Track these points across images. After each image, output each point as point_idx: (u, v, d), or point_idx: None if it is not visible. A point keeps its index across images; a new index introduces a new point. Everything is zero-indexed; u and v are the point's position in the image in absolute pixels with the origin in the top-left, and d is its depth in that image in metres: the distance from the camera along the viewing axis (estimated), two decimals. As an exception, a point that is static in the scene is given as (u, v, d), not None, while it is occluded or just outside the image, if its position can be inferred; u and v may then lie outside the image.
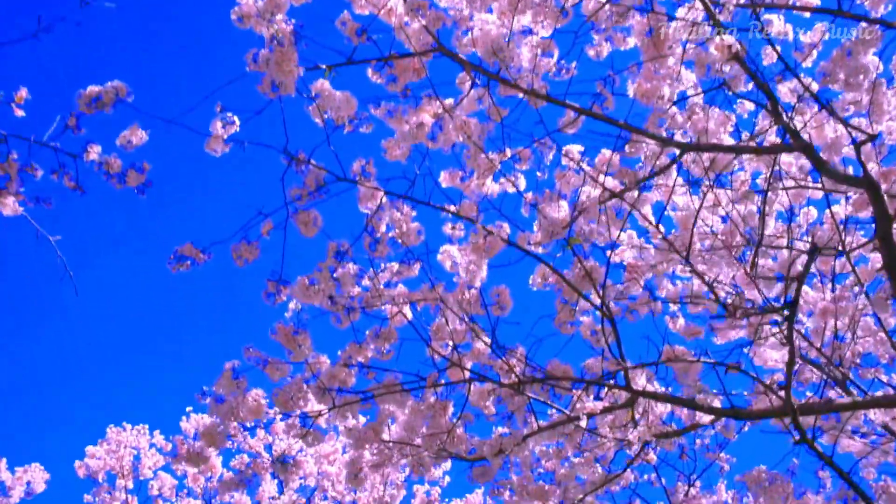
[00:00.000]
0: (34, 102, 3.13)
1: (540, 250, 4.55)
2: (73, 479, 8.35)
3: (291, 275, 4.06)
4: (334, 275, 3.73)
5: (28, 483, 8.40)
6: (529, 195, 4.03)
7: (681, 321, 5.41)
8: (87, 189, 3.20)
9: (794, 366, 3.10)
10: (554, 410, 4.63)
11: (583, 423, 4.96)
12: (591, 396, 4.46)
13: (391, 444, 5.26)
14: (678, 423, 5.23)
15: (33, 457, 12.76)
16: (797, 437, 3.24)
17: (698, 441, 7.81)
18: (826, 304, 4.69)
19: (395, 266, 4.52)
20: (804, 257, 3.92)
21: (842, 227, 4.37)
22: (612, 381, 3.99)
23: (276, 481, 9.01)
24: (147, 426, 8.53)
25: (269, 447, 9.22)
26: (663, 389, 4.80)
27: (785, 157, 4.74)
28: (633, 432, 4.89)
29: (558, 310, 4.16)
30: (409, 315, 4.60)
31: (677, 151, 3.92)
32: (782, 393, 3.11)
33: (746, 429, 6.87)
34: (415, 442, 5.10)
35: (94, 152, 3.09)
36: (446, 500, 9.53)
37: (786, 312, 3.10)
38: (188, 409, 8.61)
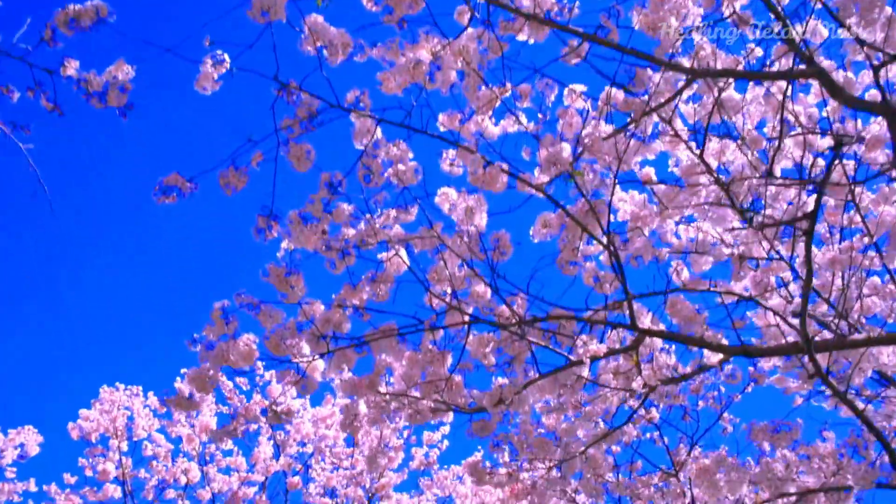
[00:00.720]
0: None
1: (542, 194, 4.40)
2: (66, 441, 8.23)
3: (284, 212, 3.91)
4: (328, 210, 3.56)
5: (21, 445, 8.28)
6: (531, 125, 3.86)
7: (685, 274, 5.27)
8: (65, 111, 3.03)
9: (810, 288, 2.95)
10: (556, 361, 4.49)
11: (585, 373, 4.84)
12: (595, 340, 4.32)
13: (388, 395, 5.15)
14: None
15: (26, 420, 12.62)
16: (811, 372, 3.09)
17: (701, 402, 7.72)
18: (834, 255, 4.54)
19: (393, 212, 4.38)
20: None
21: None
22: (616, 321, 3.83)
23: (272, 443, 8.91)
24: (141, 388, 8.41)
25: (265, 411, 9.12)
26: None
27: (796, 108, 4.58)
28: (637, 380, 4.76)
29: (561, 249, 4.01)
30: (406, 259, 4.46)
31: (684, 80, 3.74)
32: (797, 322, 2.96)
33: (751, 388, 6.77)
34: (413, 394, 4.98)
35: (72, 67, 2.92)
36: (445, 467, 9.43)
37: (805, 224, 2.93)
38: (182, 370, 8.49)
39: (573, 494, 6.31)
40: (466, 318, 4.24)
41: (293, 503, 9.35)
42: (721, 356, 3.83)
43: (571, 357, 4.36)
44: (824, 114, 4.45)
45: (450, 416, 9.13)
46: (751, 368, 6.63)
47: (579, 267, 4.25)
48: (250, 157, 3.44)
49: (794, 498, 4.50)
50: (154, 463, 8.50)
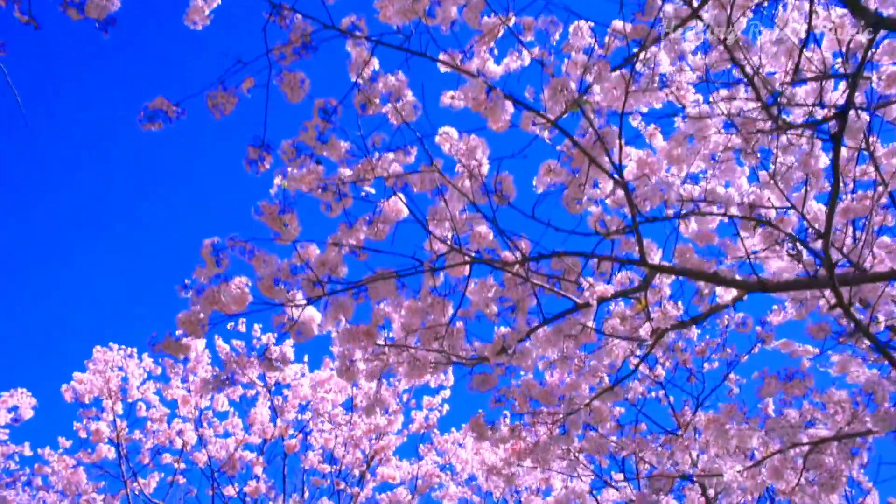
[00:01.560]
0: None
1: (546, 135, 4.22)
2: (60, 404, 8.09)
3: (277, 146, 3.72)
4: (322, 140, 3.38)
5: (14, 409, 8.15)
6: (536, 50, 3.66)
7: (693, 225, 5.10)
8: (41, 24, 2.84)
9: (836, 202, 2.76)
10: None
11: (591, 319, 4.68)
12: (602, 282, 4.15)
13: (387, 346, 5.02)
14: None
15: (19, 383, 12.46)
16: (832, 302, 2.92)
17: (706, 365, 7.58)
18: (847, 204, 4.36)
19: (391, 156, 4.20)
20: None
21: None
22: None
23: (268, 405, 8.77)
24: (135, 349, 8.26)
25: (262, 377, 8.97)
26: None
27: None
28: (644, 327, 4.61)
29: (567, 185, 3.83)
30: (404, 201, 4.28)
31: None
32: (819, 244, 2.78)
33: (758, 349, 6.61)
34: (412, 345, 4.83)
35: (47, -27, 2.73)
36: (445, 434, 9.30)
37: (833, 124, 2.74)
38: (177, 332, 8.33)
39: (576, 455, 6.17)
40: (468, 259, 4.07)
41: (291, 467, 9.26)
42: (735, 294, 3.65)
43: (578, 300, 4.19)
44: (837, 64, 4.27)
45: (451, 380, 8.99)
46: (759, 328, 6.48)
47: (584, 208, 4.06)
48: (241, 80, 3.25)
49: (806, 448, 4.34)
50: (149, 424, 8.37)
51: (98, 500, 7.67)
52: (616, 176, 3.45)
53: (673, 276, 3.92)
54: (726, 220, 4.38)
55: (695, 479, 4.73)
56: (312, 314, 5.07)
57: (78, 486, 7.74)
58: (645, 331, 4.55)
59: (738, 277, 3.42)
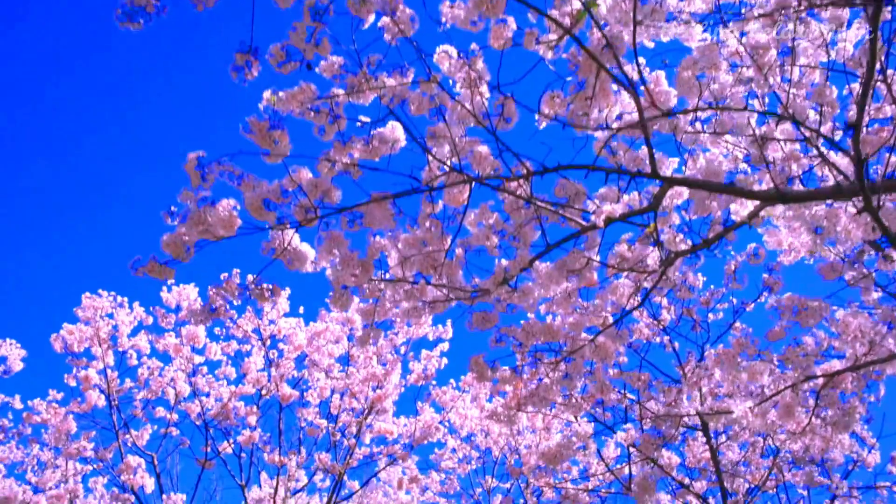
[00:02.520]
0: None
1: (550, 55, 4.00)
2: (50, 354, 7.90)
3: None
4: (312, 41, 3.16)
5: (3, 360, 7.98)
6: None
7: (701, 160, 4.90)
8: None
9: (871, 88, 2.55)
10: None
11: (594, 257, 4.50)
12: (610, 202, 3.95)
13: (382, 282, 4.85)
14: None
15: (7, 334, 12.23)
16: (859, 207, 2.73)
17: (711, 315, 7.40)
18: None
19: (386, 78, 3.98)
20: None
21: None
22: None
23: (262, 353, 8.60)
24: (126, 298, 8.08)
25: (257, 330, 8.81)
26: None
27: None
28: (652, 256, 4.42)
29: (573, 99, 3.61)
30: (402, 122, 4.07)
31: None
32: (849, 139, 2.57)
33: (764, 298, 6.42)
34: (409, 278, 4.66)
35: None
36: (443, 386, 9.13)
37: None
38: (170, 281, 8.16)
39: (580, 401, 6.00)
40: (467, 178, 3.87)
41: (287, 420, 9.12)
42: (751, 208, 3.46)
43: (585, 223, 4.00)
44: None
45: (449, 332, 8.81)
46: (765, 275, 6.30)
47: (591, 129, 3.85)
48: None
49: (821, 382, 4.17)
50: (141, 371, 8.20)
51: (88, 448, 7.53)
52: (625, 82, 3.24)
53: (685, 196, 3.72)
54: (741, 149, 4.19)
55: (703, 417, 4.57)
56: (306, 250, 4.89)
57: (68, 436, 7.59)
58: (653, 259, 4.36)
59: (756, 188, 3.22)
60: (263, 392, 8.76)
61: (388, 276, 4.80)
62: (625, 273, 4.94)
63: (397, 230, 4.57)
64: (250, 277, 7.75)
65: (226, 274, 8.35)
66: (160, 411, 8.53)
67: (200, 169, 3.45)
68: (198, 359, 8.55)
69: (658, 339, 6.17)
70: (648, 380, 5.25)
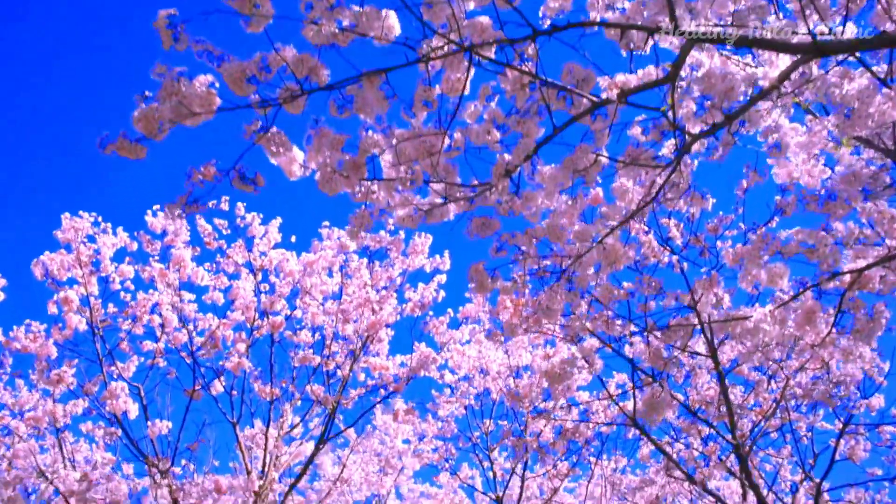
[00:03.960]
0: None
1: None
2: (32, 284, 7.58)
3: None
4: None
5: (-15, 290, 7.66)
6: None
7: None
8: None
9: None
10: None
11: (604, 142, 4.18)
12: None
13: (375, 181, 4.54)
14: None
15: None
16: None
17: (720, 243, 7.09)
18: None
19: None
20: None
21: None
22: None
23: (251, 277, 8.30)
24: (110, 224, 7.74)
25: (249, 264, 8.52)
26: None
27: None
28: (668, 144, 4.11)
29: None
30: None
31: None
32: None
33: (775, 223, 6.13)
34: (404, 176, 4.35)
35: None
36: (441, 316, 8.82)
37: None
38: (155, 206, 7.85)
39: (583, 322, 5.72)
40: (465, 46, 3.53)
41: (279, 357, 8.86)
42: (781, 69, 3.12)
43: (596, 99, 3.67)
44: None
45: (447, 263, 8.51)
46: (778, 197, 5.99)
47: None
48: None
49: (847, 279, 3.87)
50: (125, 296, 7.90)
51: (69, 373, 7.26)
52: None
53: (705, 67, 3.39)
54: None
55: (717, 325, 4.28)
56: (294, 153, 4.59)
57: (49, 363, 7.31)
58: (668, 148, 4.05)
59: (789, 40, 2.89)
60: (255, 330, 8.48)
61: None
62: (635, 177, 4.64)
63: (391, 127, 4.26)
64: (252, 217, 7.47)
65: (214, 201, 8.03)
66: (147, 345, 8.25)
67: (172, 28, 3.10)
68: (187, 296, 8.26)
69: (666, 260, 5.85)
70: (660, 286, 4.95)
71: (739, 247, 4.15)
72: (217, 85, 3.68)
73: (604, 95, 3.62)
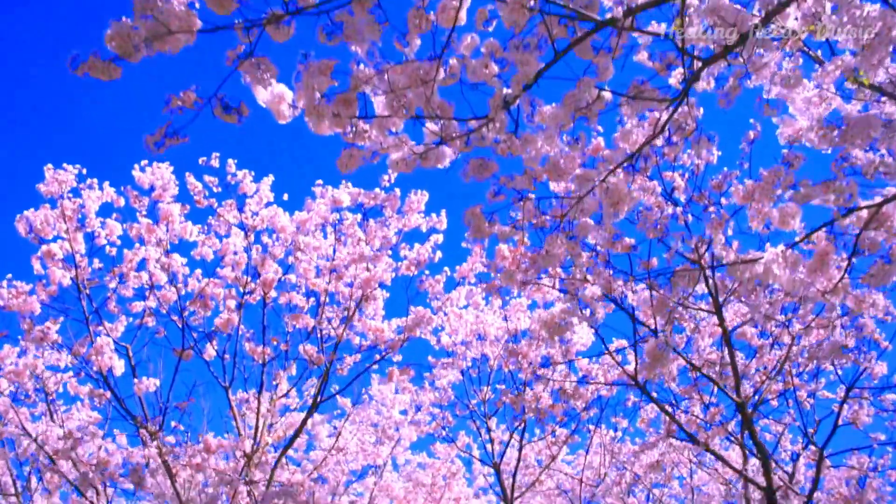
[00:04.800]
0: None
1: None
2: (16, 240, 7.33)
3: None
4: None
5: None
6: None
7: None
8: None
9: None
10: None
11: (607, 74, 3.98)
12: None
13: (367, 118, 4.34)
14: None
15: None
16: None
17: (724, 199, 6.88)
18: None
19: None
20: None
21: None
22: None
23: (241, 234, 8.09)
24: (96, 179, 7.52)
25: (242, 225, 8.32)
26: None
27: None
28: (675, 73, 3.91)
29: None
30: None
31: None
32: None
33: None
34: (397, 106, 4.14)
35: None
36: (437, 275, 8.62)
37: None
38: (143, 162, 7.63)
39: (584, 271, 5.54)
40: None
41: (271, 321, 8.68)
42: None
43: (601, 19, 3.45)
44: None
45: (443, 222, 8.31)
46: (785, 150, 5.78)
47: None
48: None
49: (864, 214, 3.67)
50: (110, 250, 7.67)
51: (53, 329, 7.06)
52: None
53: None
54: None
55: (727, 268, 4.09)
56: (282, 91, 4.38)
57: (32, 318, 7.10)
58: (675, 79, 3.84)
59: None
60: (247, 295, 8.27)
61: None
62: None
63: (384, 63, 4.06)
64: (244, 174, 7.26)
65: (204, 158, 7.83)
66: (136, 306, 8.06)
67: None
68: (178, 259, 8.05)
69: (670, 210, 5.66)
70: (665, 227, 4.76)
71: (750, 182, 3.95)
72: (197, 6, 3.47)
73: (608, 16, 3.40)
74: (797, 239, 4.10)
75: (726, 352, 7.50)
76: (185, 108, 3.65)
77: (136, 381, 7.32)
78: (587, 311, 4.84)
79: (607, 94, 4.27)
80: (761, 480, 6.68)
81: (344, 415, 11.56)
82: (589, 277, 5.34)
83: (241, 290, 8.27)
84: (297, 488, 6.91)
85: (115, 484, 7.15)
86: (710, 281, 6.25)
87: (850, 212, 3.75)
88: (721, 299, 6.03)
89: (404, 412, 12.30)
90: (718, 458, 6.87)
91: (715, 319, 7.46)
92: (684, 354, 6.68)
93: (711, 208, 6.74)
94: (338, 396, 11.97)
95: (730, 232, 4.49)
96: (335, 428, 11.50)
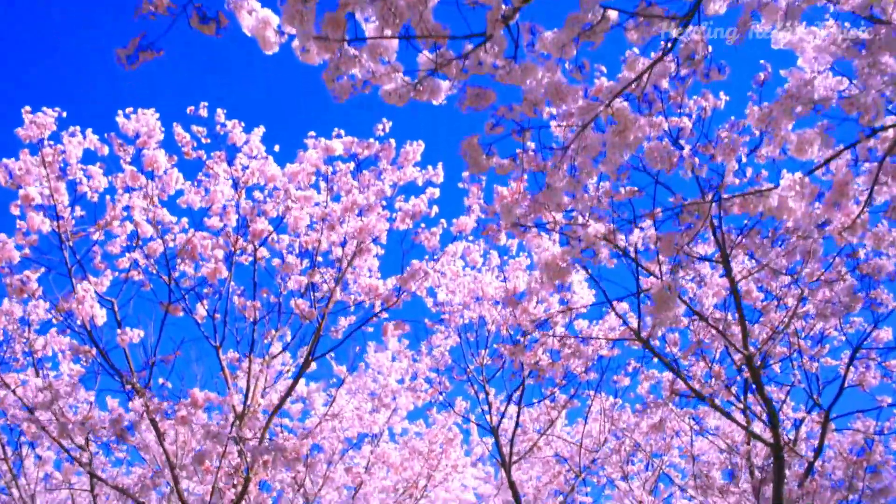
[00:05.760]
0: None
1: None
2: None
3: None
4: None
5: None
6: None
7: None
8: None
9: None
10: None
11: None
12: None
13: (357, 43, 4.11)
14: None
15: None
16: None
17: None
18: None
19: None
20: None
21: None
22: None
23: (229, 182, 7.83)
24: (78, 127, 7.23)
25: (234, 181, 8.06)
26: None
27: None
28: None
29: None
30: None
31: None
32: None
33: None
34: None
35: None
36: (433, 227, 8.34)
37: None
38: (128, 109, 7.34)
39: (588, 209, 5.29)
40: None
41: (263, 276, 8.42)
42: None
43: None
44: None
45: (440, 175, 8.06)
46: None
47: None
48: None
49: (890, 134, 3.42)
50: (91, 195, 7.35)
51: (32, 278, 6.81)
52: None
53: None
54: None
55: (739, 202, 3.84)
56: (267, 16, 4.16)
57: (10, 267, 6.84)
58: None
59: None
60: (239, 255, 8.01)
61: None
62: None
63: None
64: (233, 124, 6.99)
65: (192, 107, 7.54)
66: (122, 262, 7.81)
67: None
68: (168, 217, 7.78)
69: (676, 156, 5.39)
70: (675, 161, 4.49)
71: (765, 104, 3.70)
72: None
73: None
74: (815, 166, 3.85)
75: (729, 317, 7.28)
76: (160, 16, 3.39)
77: (119, 331, 7.08)
78: (589, 255, 4.59)
79: (613, 14, 4.01)
80: (766, 441, 6.48)
81: (340, 383, 11.36)
82: (591, 221, 5.10)
83: (233, 248, 8.03)
84: (289, 443, 6.70)
85: (98, 439, 6.93)
86: (718, 232, 6.01)
87: (874, 132, 3.49)
88: (729, 249, 5.79)
89: (401, 381, 12.12)
90: (724, 413, 6.65)
91: (717, 280, 7.24)
92: (690, 305, 6.44)
93: (724, 133, 6.49)
94: (333, 363, 11.80)
95: (743, 159, 4.24)
96: (331, 396, 11.30)
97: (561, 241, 5.69)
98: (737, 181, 4.14)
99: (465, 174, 6.05)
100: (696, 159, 4.13)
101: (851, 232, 4.17)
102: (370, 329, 9.23)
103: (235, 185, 7.89)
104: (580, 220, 5.20)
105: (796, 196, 3.93)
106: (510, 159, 4.53)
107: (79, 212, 7.28)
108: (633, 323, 6.69)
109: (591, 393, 11.03)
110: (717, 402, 7.36)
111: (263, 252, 8.12)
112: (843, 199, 3.90)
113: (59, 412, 6.43)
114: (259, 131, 7.81)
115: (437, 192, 7.86)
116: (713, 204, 4.31)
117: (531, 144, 4.67)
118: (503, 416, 10.85)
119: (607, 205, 4.86)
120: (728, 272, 5.89)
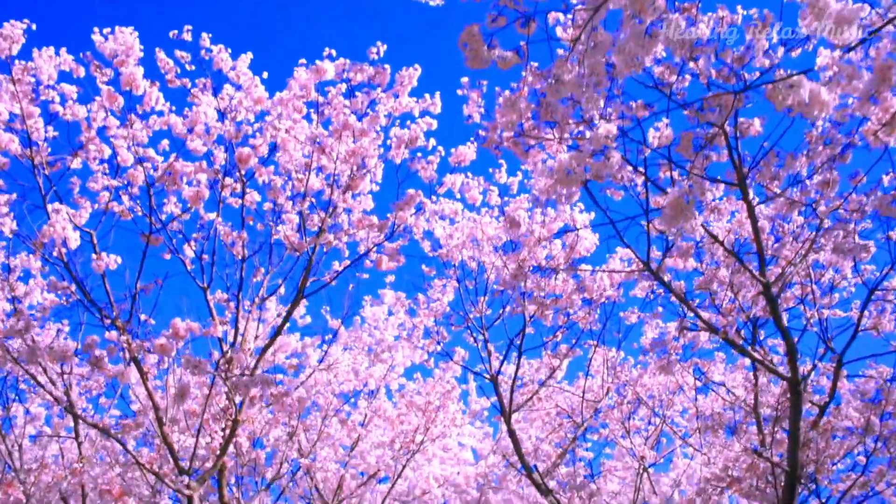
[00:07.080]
0: None
1: None
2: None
3: None
4: None
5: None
6: None
7: None
8: None
9: None
10: None
11: None
12: None
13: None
14: None
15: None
16: None
17: (746, 74, 6.25)
18: None
19: None
20: None
21: None
22: None
23: (216, 115, 7.45)
24: (52, 48, 6.81)
25: (224, 116, 7.68)
26: None
27: None
28: None
29: None
30: None
31: None
32: None
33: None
34: None
35: None
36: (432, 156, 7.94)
37: None
38: (105, 29, 6.92)
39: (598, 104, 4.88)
40: None
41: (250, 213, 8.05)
42: None
43: None
44: None
45: (437, 105, 7.63)
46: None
47: None
48: None
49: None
50: (65, 113, 6.93)
51: (2, 201, 6.44)
52: None
53: None
54: None
55: (766, 91, 3.47)
56: None
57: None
58: None
59: None
60: (212, 138, 7.54)
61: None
62: None
63: None
64: (219, 49, 6.55)
65: (175, 31, 7.12)
66: (104, 196, 7.44)
67: None
68: (143, 135, 7.34)
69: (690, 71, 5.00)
70: (691, 47, 4.11)
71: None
72: None
73: None
74: (853, 45, 3.47)
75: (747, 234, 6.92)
76: None
77: (94, 255, 6.72)
78: (600, 160, 4.22)
79: None
80: (782, 375, 6.17)
81: (335, 335, 11.04)
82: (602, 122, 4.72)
83: (221, 186, 7.67)
84: (272, 377, 6.40)
85: (70, 368, 6.61)
86: (735, 153, 5.63)
87: None
88: (746, 167, 5.43)
89: (398, 338, 11.82)
90: (737, 347, 6.34)
91: (729, 206, 6.90)
92: (706, 226, 6.09)
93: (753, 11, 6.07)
94: (328, 317, 11.47)
95: (774, 38, 3.86)
96: (325, 352, 11.00)
97: (569, 149, 5.32)
98: (766, 62, 3.78)
99: (465, 80, 5.65)
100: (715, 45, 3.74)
101: (889, 131, 3.80)
102: (365, 276, 8.89)
103: (222, 117, 7.52)
104: (590, 103, 4.81)
105: (830, 88, 3.56)
106: (513, 52, 4.15)
107: (52, 132, 6.89)
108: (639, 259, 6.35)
109: (594, 343, 10.71)
110: (730, 334, 7.02)
111: (255, 196, 7.78)
112: (885, 85, 3.52)
113: (32, 342, 6.10)
114: (246, 57, 7.41)
115: (434, 124, 7.47)
116: (736, 95, 3.93)
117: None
118: (503, 362, 10.54)
119: (620, 91, 4.50)
120: (745, 194, 5.53)
